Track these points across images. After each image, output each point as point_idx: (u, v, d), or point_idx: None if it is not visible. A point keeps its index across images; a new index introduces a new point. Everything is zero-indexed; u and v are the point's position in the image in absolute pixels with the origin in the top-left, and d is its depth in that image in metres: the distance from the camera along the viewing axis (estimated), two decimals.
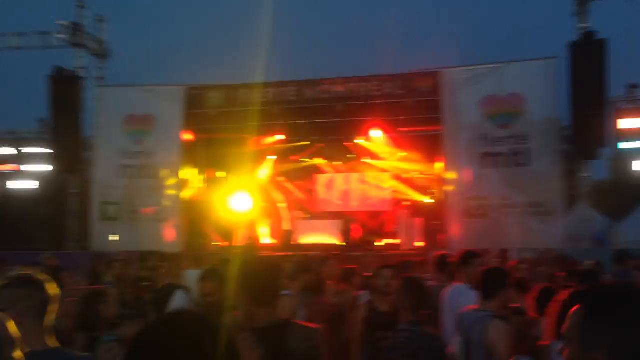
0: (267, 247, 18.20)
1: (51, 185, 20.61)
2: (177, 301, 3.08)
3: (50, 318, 2.16)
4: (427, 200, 18.72)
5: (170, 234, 17.21)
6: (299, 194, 20.41)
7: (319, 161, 20.02)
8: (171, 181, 17.47)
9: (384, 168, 19.60)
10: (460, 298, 4.74)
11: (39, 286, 2.16)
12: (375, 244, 17.81)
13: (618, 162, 17.29)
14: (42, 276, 2.25)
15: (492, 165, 15.29)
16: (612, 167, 22.15)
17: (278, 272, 2.79)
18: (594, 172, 16.30)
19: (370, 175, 20.11)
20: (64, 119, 17.88)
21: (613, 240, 14.90)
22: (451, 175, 15.64)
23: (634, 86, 18.12)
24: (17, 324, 1.97)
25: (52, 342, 2.14)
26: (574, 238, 14.92)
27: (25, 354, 1.89)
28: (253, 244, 17.85)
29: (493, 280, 4.01)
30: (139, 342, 1.32)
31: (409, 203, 18.88)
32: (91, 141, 19.16)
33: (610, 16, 17.25)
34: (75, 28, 18.58)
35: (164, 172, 17.52)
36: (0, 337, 1.65)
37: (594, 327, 1.19)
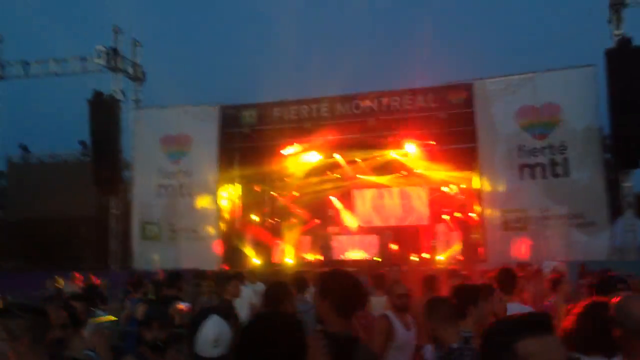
0: (309, 263, 18.21)
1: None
2: (209, 327, 3.06)
3: (45, 343, 2.26)
4: (465, 214, 18.47)
5: (209, 252, 17.39)
6: (337, 210, 20.43)
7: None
8: (209, 199, 17.68)
9: (420, 183, 19.46)
10: None
11: (45, 314, 2.24)
12: (412, 258, 17.65)
13: None
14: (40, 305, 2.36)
15: (530, 176, 15.02)
16: None
17: (362, 288, 2.90)
18: (638, 181, 15.82)
19: (406, 190, 19.98)
20: (103, 142, 18.36)
21: None
22: (488, 188, 15.41)
23: None
24: (19, 352, 2.07)
25: None
26: (619, 250, 14.52)
27: None
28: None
29: (463, 297, 3.74)
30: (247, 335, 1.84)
31: (446, 217, 18.66)
32: (130, 162, 19.60)
33: None
34: (113, 53, 19.08)
35: (201, 191, 17.76)
36: None
37: None
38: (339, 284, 2.77)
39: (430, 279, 6.37)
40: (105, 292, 11.36)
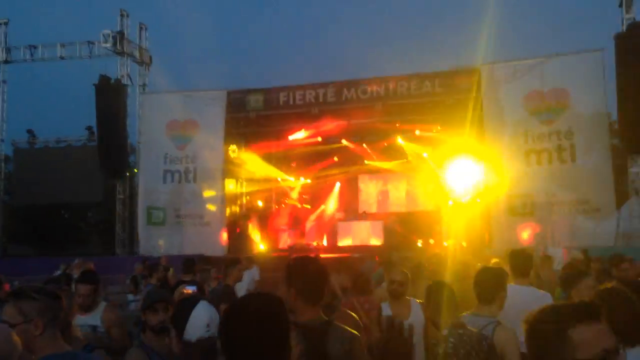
0: (313, 248, 18.23)
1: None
2: (200, 312, 3.16)
3: (61, 324, 2.36)
4: (470, 199, 18.40)
5: (215, 238, 17.43)
6: (341, 195, 20.44)
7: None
8: (215, 185, 17.69)
9: (426, 168, 19.42)
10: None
11: (58, 297, 2.33)
12: (418, 244, 17.66)
13: None
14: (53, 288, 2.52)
15: (536, 162, 14.96)
16: None
17: (327, 273, 2.85)
18: None
19: (411, 176, 19.95)
20: (110, 126, 18.36)
21: None
22: (494, 173, 15.36)
23: None
24: (41, 332, 2.16)
25: (65, 346, 2.30)
26: (625, 235, 14.48)
27: (46, 357, 2.11)
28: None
29: (491, 283, 3.56)
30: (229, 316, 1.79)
31: (452, 203, 18.61)
32: (136, 147, 19.62)
33: None
34: (119, 37, 19.02)
35: (207, 176, 17.77)
36: (7, 353, 1.75)
37: None
38: (302, 272, 2.75)
39: (416, 268, 6.28)
40: (139, 279, 11.42)
